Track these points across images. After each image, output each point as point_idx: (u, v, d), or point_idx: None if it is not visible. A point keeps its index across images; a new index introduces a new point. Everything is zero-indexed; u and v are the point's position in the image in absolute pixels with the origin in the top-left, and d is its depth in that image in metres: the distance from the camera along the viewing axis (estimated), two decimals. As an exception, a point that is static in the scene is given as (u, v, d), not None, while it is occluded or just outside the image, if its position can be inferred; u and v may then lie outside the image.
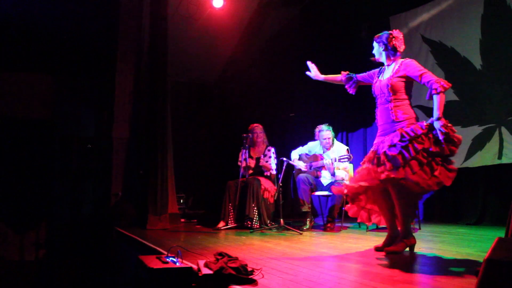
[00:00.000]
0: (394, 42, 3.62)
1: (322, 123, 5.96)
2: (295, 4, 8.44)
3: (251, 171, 6.11)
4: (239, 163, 6.11)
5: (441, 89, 3.30)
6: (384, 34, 3.68)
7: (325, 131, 5.79)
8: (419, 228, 5.24)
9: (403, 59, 3.65)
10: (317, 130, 5.89)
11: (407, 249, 3.50)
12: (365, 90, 7.59)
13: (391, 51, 3.65)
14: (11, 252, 7.91)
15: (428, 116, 6.43)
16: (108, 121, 7.60)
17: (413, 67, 3.50)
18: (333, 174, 5.63)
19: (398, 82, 3.54)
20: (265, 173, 6.14)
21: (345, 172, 5.67)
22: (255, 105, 9.27)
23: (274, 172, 6.13)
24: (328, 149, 5.82)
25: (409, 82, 3.55)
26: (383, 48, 3.68)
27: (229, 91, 9.82)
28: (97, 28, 7.93)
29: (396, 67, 3.61)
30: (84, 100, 8.94)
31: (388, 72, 3.68)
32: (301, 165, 5.84)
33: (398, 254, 3.40)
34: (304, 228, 5.42)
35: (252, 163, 6.17)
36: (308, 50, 8.58)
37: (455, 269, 2.81)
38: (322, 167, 5.71)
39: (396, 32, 3.66)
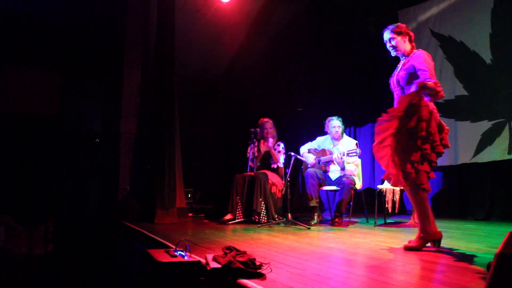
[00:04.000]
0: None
1: (328, 117, 5.97)
2: (302, -1, 8.42)
3: (258, 161, 6.10)
4: (248, 155, 6.11)
5: (435, 90, 3.21)
6: (390, 27, 3.63)
7: (335, 120, 5.83)
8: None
9: (416, 50, 3.57)
10: (327, 120, 5.90)
11: (429, 244, 3.40)
12: (373, 84, 7.58)
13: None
14: (20, 246, 7.97)
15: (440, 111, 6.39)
16: (115, 116, 7.61)
17: (420, 60, 3.41)
18: (342, 168, 5.61)
19: (405, 74, 3.48)
20: (272, 165, 6.13)
21: (354, 166, 5.66)
22: (262, 100, 9.26)
23: (281, 165, 6.12)
24: (337, 140, 5.81)
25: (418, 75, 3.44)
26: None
27: (236, 86, 9.81)
28: (104, 23, 7.94)
29: (407, 59, 3.56)
30: (91, 95, 8.95)
31: (400, 65, 3.63)
32: (310, 158, 5.82)
33: (417, 251, 3.32)
34: (312, 223, 5.41)
35: (262, 149, 6.17)
36: (315, 45, 8.56)
37: (465, 264, 2.79)
38: (330, 162, 5.70)
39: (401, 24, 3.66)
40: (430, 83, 3.23)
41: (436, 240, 3.40)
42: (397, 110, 3.37)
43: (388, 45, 3.65)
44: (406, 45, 3.58)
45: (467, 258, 3.03)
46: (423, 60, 3.40)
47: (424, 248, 3.38)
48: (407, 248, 3.38)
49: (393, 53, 3.66)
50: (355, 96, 7.84)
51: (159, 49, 6.59)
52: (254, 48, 9.13)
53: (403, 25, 3.63)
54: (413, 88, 3.42)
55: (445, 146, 3.36)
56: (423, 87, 3.23)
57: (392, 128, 3.33)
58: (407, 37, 3.59)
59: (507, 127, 5.65)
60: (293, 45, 8.90)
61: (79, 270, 7.49)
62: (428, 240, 3.38)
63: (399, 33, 3.58)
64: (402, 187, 3.93)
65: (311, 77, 8.76)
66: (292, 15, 8.71)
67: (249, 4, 8.05)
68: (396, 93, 3.62)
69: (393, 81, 3.63)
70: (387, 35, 3.63)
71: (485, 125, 5.87)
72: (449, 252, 3.27)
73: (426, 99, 3.29)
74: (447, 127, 3.41)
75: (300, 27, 8.66)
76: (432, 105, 3.37)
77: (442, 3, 6.48)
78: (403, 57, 3.61)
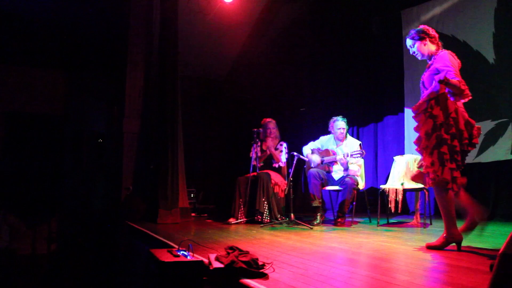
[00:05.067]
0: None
1: (332, 117, 5.96)
2: (305, -2, 8.41)
3: (262, 160, 6.10)
4: (250, 155, 6.11)
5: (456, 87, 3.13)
6: (411, 33, 3.62)
7: (340, 121, 5.83)
8: (431, 224, 5.22)
9: (440, 51, 3.53)
10: (331, 121, 5.90)
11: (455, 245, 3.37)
12: (376, 84, 7.57)
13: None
14: (23, 245, 7.99)
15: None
16: (118, 116, 7.63)
17: (444, 60, 3.37)
18: (345, 169, 5.61)
19: (428, 76, 3.47)
20: (274, 165, 6.13)
21: (357, 166, 5.66)
22: (265, 100, 9.27)
23: (282, 164, 6.12)
24: (341, 140, 5.82)
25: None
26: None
27: (239, 86, 9.81)
28: (108, 23, 7.95)
29: (432, 61, 3.54)
30: (95, 95, 8.97)
31: (426, 67, 3.62)
32: (316, 159, 5.81)
33: (439, 250, 3.33)
34: (315, 223, 5.41)
35: (264, 148, 6.17)
36: (318, 45, 8.55)
37: (468, 264, 2.78)
38: (334, 162, 5.70)
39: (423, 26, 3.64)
40: (454, 80, 3.17)
41: (459, 242, 3.36)
42: (417, 105, 3.38)
43: (411, 51, 3.66)
44: (427, 47, 3.56)
45: (470, 258, 3.02)
46: (447, 60, 3.37)
47: (426, 249, 3.39)
48: (429, 247, 3.40)
49: (419, 57, 3.65)
50: (358, 96, 7.83)
51: (162, 49, 6.59)
52: (257, 49, 9.13)
53: (422, 29, 3.60)
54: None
55: (473, 145, 3.33)
56: (446, 84, 3.16)
57: (424, 127, 3.32)
58: (427, 39, 3.55)
59: (510, 127, 5.63)
60: (295, 45, 8.89)
61: (82, 269, 7.50)
62: (451, 241, 3.36)
63: (417, 38, 3.57)
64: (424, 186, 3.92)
65: (313, 77, 8.75)
66: (294, 15, 8.70)
67: (252, 5, 8.05)
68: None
69: (420, 83, 3.62)
70: (408, 41, 3.65)
71: (488, 125, 5.85)
72: (452, 252, 3.27)
73: (451, 99, 3.24)
74: (478, 125, 3.36)
75: (303, 27, 8.66)
76: (459, 103, 3.33)
77: (445, 3, 6.46)
78: (429, 59, 3.59)
